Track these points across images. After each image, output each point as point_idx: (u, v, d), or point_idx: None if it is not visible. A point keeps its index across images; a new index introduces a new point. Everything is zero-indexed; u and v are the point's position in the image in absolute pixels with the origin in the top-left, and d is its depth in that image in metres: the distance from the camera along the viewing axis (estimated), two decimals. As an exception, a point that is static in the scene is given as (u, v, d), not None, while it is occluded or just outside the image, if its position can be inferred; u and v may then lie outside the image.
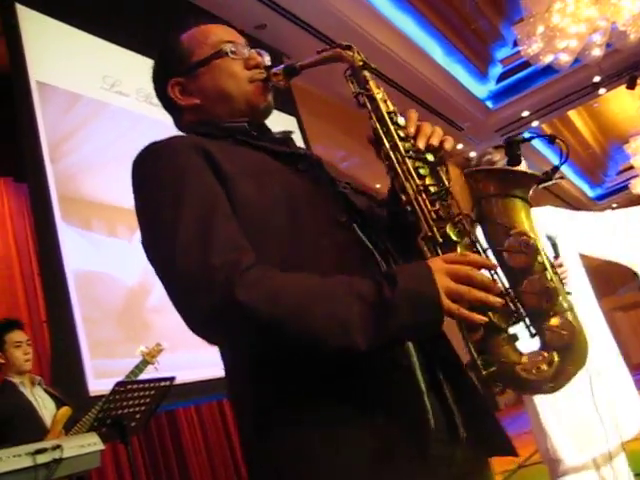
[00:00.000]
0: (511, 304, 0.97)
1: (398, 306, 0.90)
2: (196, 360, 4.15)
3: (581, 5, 7.50)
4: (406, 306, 0.91)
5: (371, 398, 0.96)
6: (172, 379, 3.00)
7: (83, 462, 2.29)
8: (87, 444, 2.31)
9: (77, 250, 4.66)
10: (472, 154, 13.15)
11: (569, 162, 16.32)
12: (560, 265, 2.54)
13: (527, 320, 0.97)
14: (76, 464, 2.25)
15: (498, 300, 0.94)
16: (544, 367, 0.93)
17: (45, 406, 3.29)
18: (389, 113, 1.14)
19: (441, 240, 1.01)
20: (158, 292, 5.04)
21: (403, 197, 1.08)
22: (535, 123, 12.80)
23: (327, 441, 0.95)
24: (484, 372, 0.94)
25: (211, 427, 5.49)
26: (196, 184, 1.04)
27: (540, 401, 2.57)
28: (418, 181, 1.06)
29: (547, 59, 8.07)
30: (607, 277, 18.20)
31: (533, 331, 0.98)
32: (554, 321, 0.96)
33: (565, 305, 0.99)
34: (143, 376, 3.17)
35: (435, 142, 1.10)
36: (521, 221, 1.01)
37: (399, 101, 10.40)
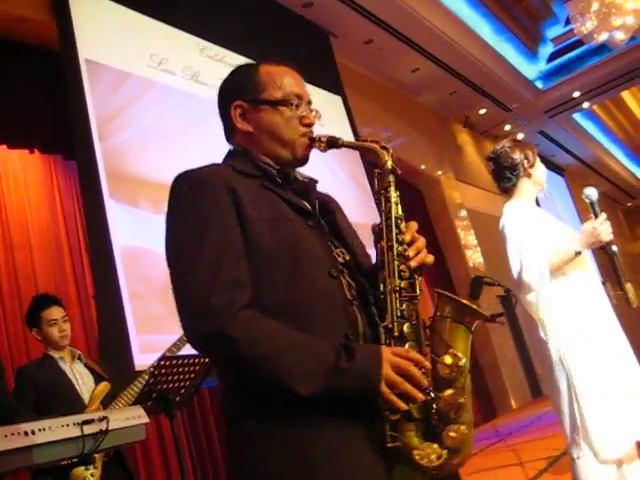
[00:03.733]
0: (430, 404, 1.23)
1: (347, 378, 1.18)
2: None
3: (639, -20, 7.26)
4: (353, 379, 1.18)
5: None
6: (216, 355, 3.00)
7: (128, 434, 2.32)
8: (132, 417, 2.34)
9: (124, 226, 4.72)
10: (520, 136, 12.91)
11: (620, 144, 15.91)
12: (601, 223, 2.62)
13: (435, 420, 1.24)
14: (121, 436, 2.29)
15: (420, 396, 1.20)
16: (434, 458, 1.21)
17: (84, 382, 3.27)
18: (396, 218, 1.37)
19: (397, 334, 1.27)
20: (203, 270, 5.10)
21: (381, 287, 1.32)
22: (586, 104, 12.49)
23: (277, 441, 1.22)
24: (388, 444, 1.20)
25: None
26: (218, 224, 1.28)
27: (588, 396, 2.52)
28: (397, 281, 1.30)
29: (601, 37, 7.87)
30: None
31: (436, 430, 1.23)
32: (454, 428, 1.23)
33: (466, 417, 1.26)
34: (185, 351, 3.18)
35: (422, 255, 1.35)
36: (460, 345, 1.30)
37: (447, 82, 10.30)
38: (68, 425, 2.18)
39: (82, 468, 2.79)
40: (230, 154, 1.49)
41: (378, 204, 1.40)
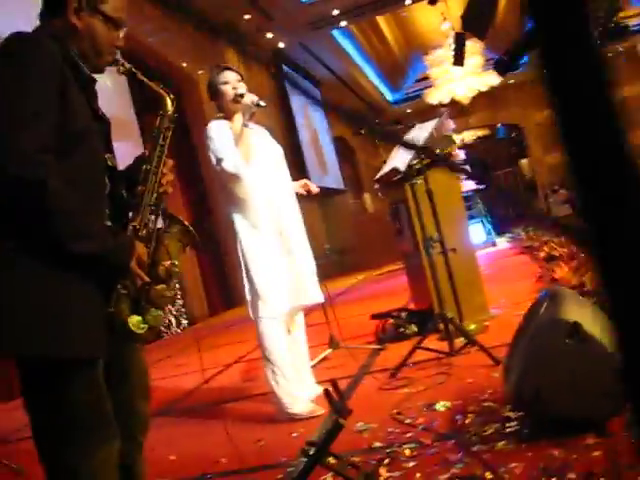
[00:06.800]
0: (144, 290, 1.67)
1: (114, 248, 1.58)
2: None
3: None
4: (117, 250, 1.59)
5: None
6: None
7: None
8: None
9: None
10: (281, 45, 13.18)
11: (373, 65, 16.92)
12: None
13: (144, 301, 1.66)
14: None
15: (145, 279, 1.65)
16: (139, 327, 1.62)
17: None
18: (165, 156, 1.80)
19: (141, 235, 1.69)
20: None
21: (136, 197, 1.74)
22: (344, 23, 13.02)
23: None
24: (110, 309, 1.59)
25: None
26: (46, 94, 1.51)
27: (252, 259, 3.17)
28: (152, 198, 1.74)
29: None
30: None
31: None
32: (155, 311, 1.68)
33: (164, 307, 1.73)
34: None
35: (168, 186, 1.80)
36: (177, 258, 1.79)
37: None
38: None
39: None
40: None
41: (154, 137, 1.80)
